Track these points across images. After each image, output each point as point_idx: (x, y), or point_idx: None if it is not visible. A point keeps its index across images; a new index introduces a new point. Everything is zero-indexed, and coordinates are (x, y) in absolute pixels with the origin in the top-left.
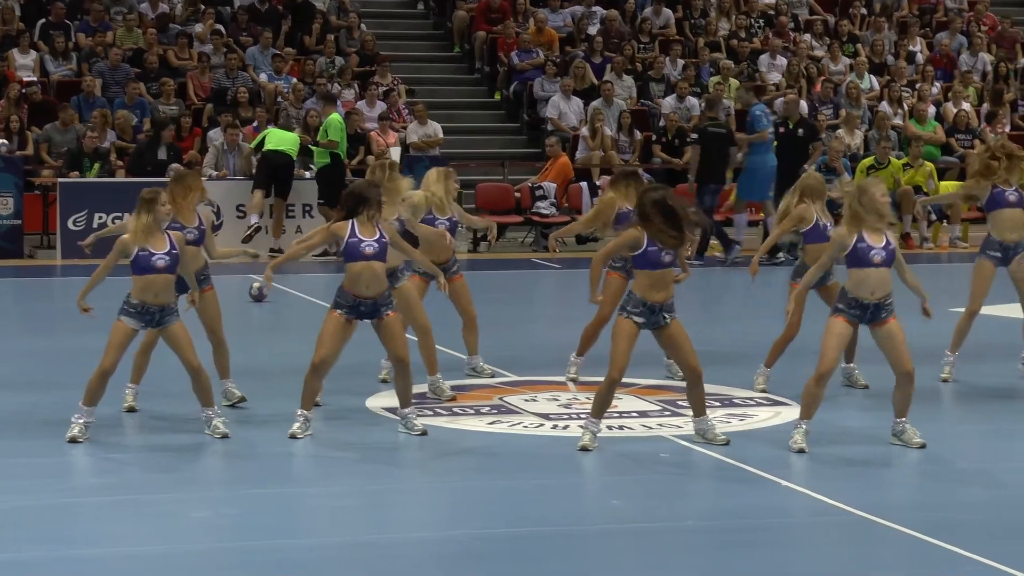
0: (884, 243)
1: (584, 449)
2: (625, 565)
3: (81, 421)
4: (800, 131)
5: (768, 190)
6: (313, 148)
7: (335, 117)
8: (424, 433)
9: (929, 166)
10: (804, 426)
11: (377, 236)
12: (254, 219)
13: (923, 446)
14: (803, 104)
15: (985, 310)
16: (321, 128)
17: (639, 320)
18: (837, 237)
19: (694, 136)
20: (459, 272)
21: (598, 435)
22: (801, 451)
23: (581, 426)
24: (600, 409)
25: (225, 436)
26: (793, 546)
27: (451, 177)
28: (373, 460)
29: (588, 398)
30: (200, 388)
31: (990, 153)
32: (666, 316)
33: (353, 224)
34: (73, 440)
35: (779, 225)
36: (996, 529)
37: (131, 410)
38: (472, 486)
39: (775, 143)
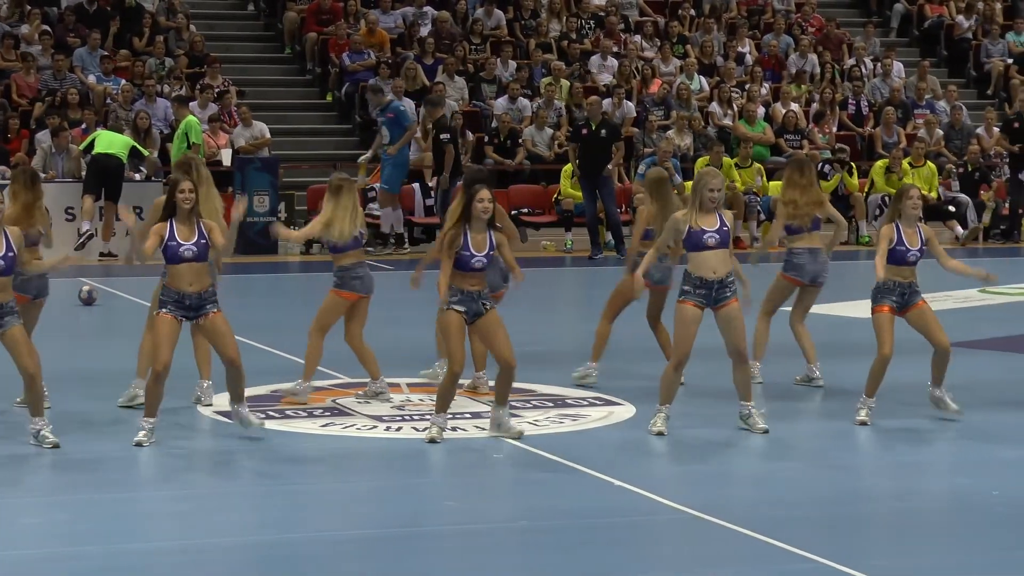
0: (718, 226)
1: (432, 441)
2: (460, 566)
3: None
4: (603, 132)
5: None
6: (179, 151)
7: (193, 120)
8: (262, 425)
9: (758, 166)
10: (664, 411)
11: (196, 238)
12: (86, 226)
13: (766, 431)
14: (628, 105)
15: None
16: (179, 130)
17: (461, 309)
18: (671, 221)
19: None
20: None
21: (444, 430)
22: (660, 434)
23: (429, 424)
24: (444, 405)
25: (56, 446)
26: (626, 545)
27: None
28: (205, 463)
29: (421, 399)
30: (33, 397)
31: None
32: (485, 304)
33: (172, 225)
34: None
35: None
36: (826, 526)
37: None
38: (305, 489)
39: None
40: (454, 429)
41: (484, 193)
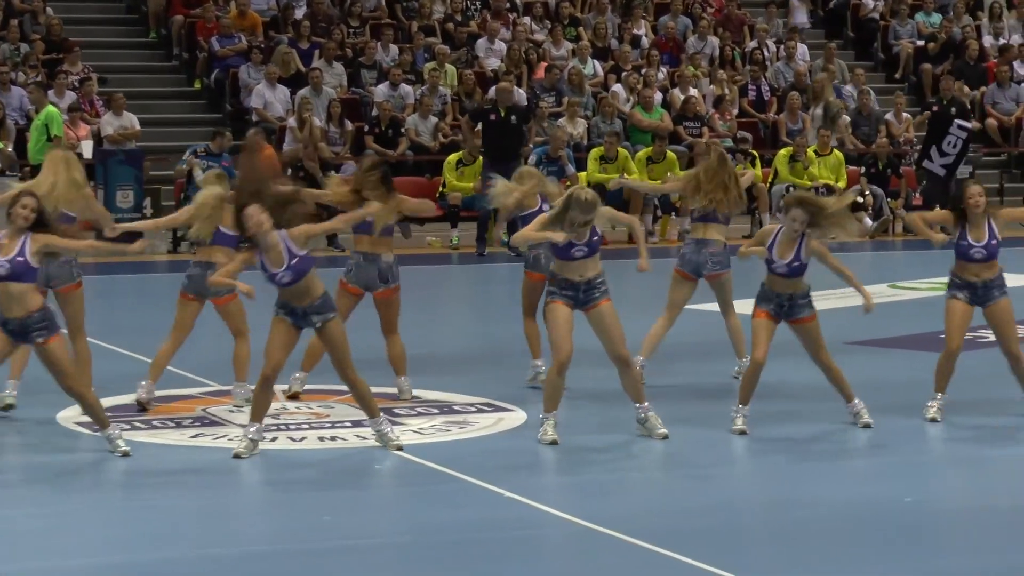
0: (587, 238)
1: (238, 456)
2: None
3: None
4: (513, 118)
5: None
6: (39, 144)
7: (53, 110)
8: (127, 454)
9: (672, 157)
10: (552, 418)
11: (13, 254)
12: None
13: (666, 436)
14: (520, 92)
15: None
16: (38, 121)
17: (288, 319)
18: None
19: None
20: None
21: (259, 442)
22: (554, 443)
23: (240, 435)
24: (260, 413)
25: None
26: (517, 560)
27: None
28: (66, 478)
29: (297, 407)
30: None
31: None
32: (315, 319)
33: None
34: None
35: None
36: (726, 536)
37: None
38: (173, 504)
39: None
40: (333, 439)
41: (252, 209)
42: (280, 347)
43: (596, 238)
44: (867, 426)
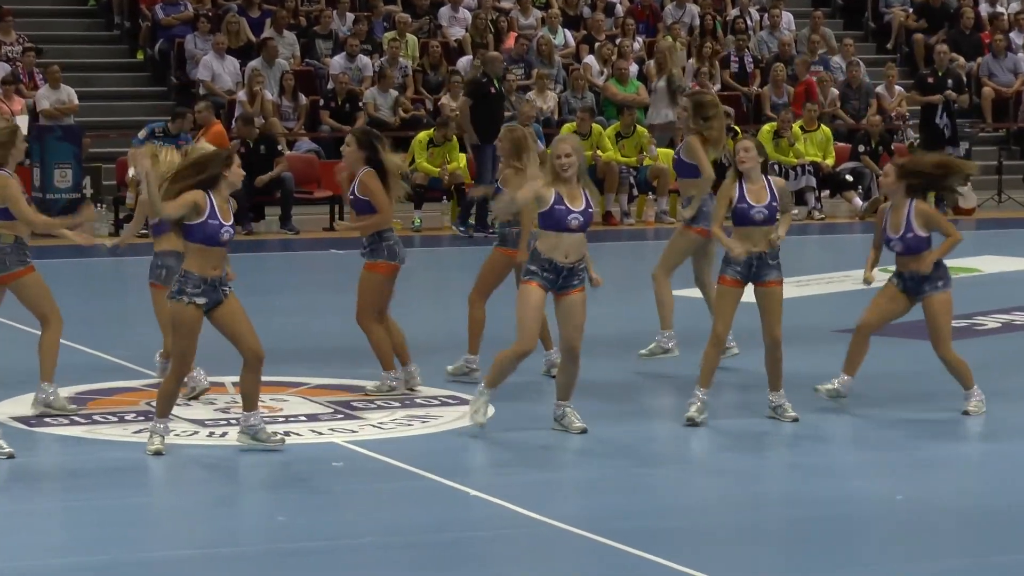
0: (584, 206)
1: (157, 454)
2: None
3: None
4: (503, 89)
5: None
6: None
7: None
8: (11, 456)
9: (643, 132)
10: (488, 393)
11: None
12: None
13: (584, 431)
14: None
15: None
16: None
17: (200, 301)
18: (530, 188)
19: None
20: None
21: (166, 438)
22: (482, 425)
23: (150, 429)
24: (166, 408)
25: None
26: (484, 563)
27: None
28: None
29: None
30: None
31: None
32: (225, 290)
33: None
34: None
35: None
36: (708, 537)
37: None
38: (119, 504)
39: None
40: (287, 434)
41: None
42: (195, 339)
43: (591, 210)
44: (794, 420)
